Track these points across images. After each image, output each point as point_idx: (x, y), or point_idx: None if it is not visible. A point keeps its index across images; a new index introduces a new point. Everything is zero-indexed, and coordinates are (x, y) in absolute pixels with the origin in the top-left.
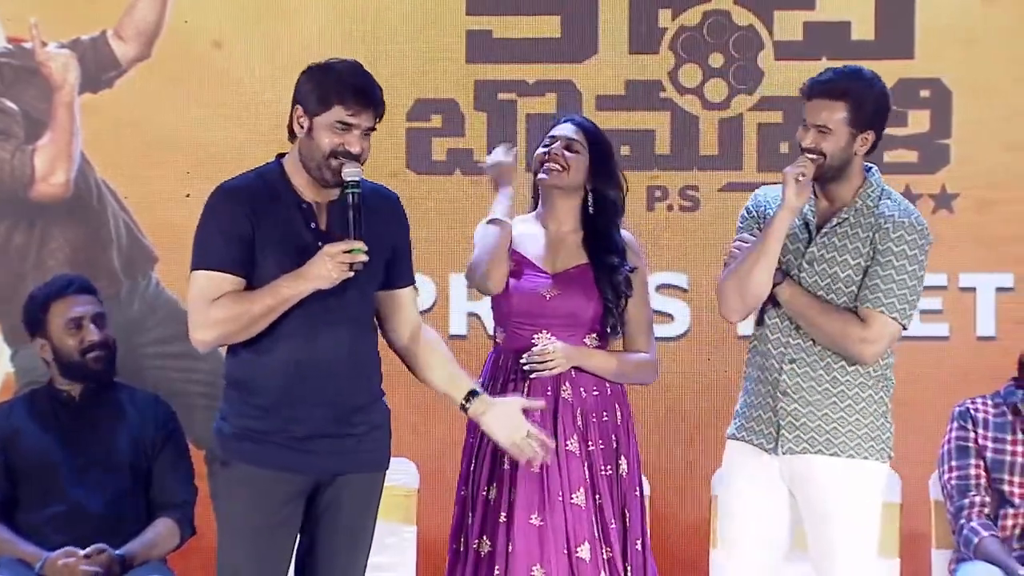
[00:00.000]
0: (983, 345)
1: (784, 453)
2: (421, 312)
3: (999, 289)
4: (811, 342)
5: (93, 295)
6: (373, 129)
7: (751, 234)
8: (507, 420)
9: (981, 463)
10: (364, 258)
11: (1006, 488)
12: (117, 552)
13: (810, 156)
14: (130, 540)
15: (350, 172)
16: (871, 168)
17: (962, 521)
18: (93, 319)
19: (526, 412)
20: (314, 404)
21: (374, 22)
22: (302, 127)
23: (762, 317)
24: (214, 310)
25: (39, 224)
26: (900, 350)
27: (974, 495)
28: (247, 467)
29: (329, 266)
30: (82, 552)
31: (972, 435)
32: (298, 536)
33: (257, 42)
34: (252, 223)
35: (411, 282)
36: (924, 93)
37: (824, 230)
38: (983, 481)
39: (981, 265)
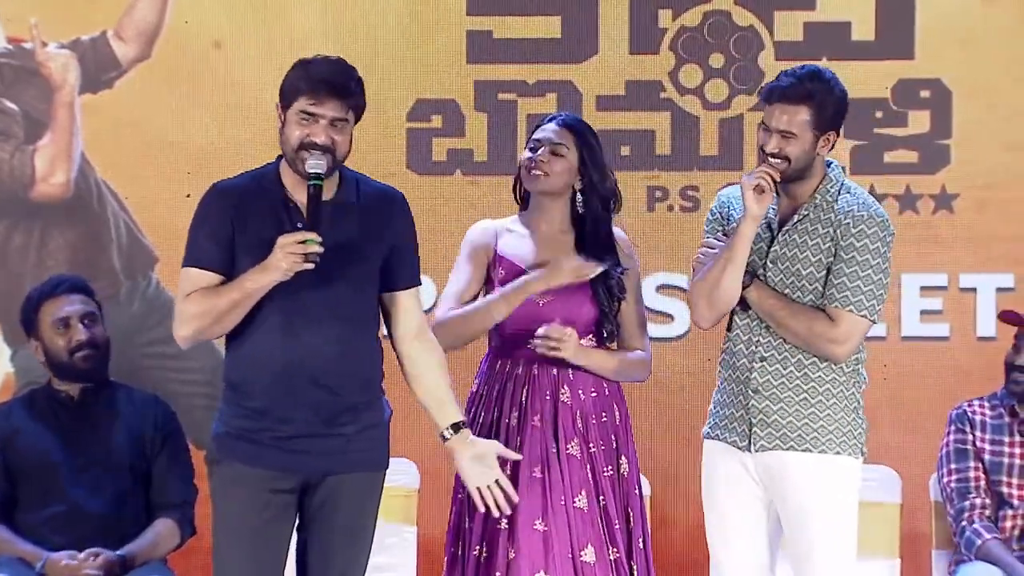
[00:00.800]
0: (983, 345)
1: (757, 451)
2: None
3: (999, 289)
4: (781, 340)
5: (84, 294)
6: (345, 120)
7: (716, 237)
8: (480, 464)
9: (980, 465)
10: (317, 249)
11: (1005, 490)
12: (118, 553)
13: (774, 162)
14: (130, 540)
15: (313, 164)
16: (831, 163)
17: (963, 523)
18: (82, 318)
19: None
20: (300, 403)
21: (374, 22)
22: (280, 120)
23: (731, 321)
24: (187, 305)
25: (39, 224)
26: (901, 350)
27: (974, 497)
28: (238, 465)
29: (279, 256)
30: (81, 555)
31: (970, 437)
32: (297, 535)
33: (257, 42)
34: (234, 223)
35: (412, 284)
36: (924, 93)
37: (785, 228)
38: (983, 483)
39: (981, 265)
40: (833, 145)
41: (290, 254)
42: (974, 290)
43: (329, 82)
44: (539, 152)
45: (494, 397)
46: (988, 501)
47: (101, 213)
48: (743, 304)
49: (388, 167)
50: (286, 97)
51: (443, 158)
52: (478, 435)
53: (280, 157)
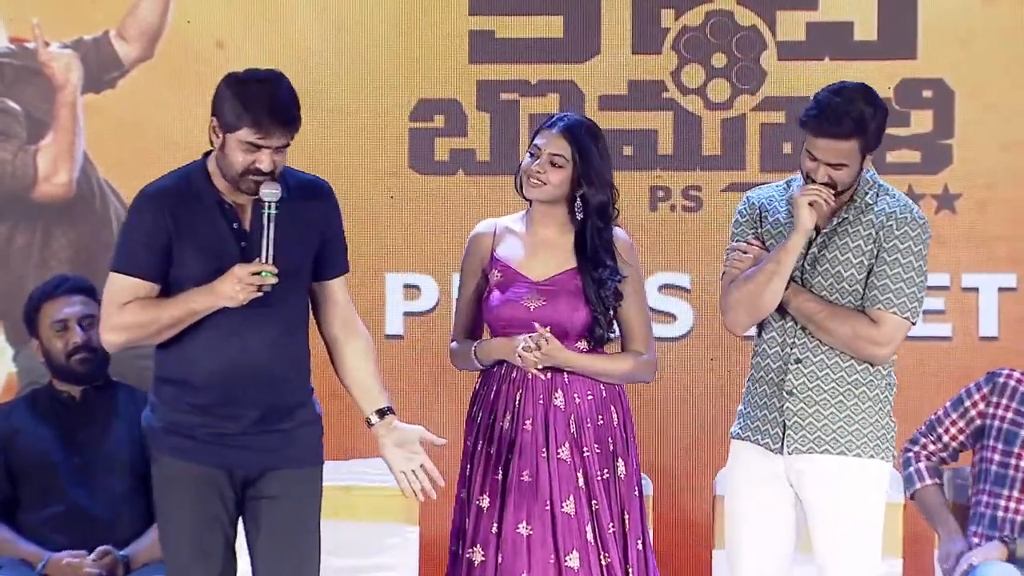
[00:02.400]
0: (985, 345)
1: (791, 453)
2: (424, 312)
3: (1001, 289)
4: (817, 342)
5: (86, 295)
6: (288, 144)
7: (747, 240)
8: (402, 450)
9: (961, 424)
10: (273, 281)
11: (1013, 461)
12: (119, 553)
13: (826, 190)
14: (131, 541)
15: (268, 193)
16: None
17: (910, 455)
18: (80, 320)
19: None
20: (245, 404)
21: (376, 22)
22: (217, 136)
23: (764, 325)
24: (125, 314)
25: (41, 225)
26: (902, 350)
27: (931, 441)
28: (175, 462)
29: (237, 288)
30: (89, 557)
31: (977, 397)
32: (245, 533)
33: (259, 42)
34: (171, 228)
35: (342, 272)
36: (926, 93)
37: (825, 231)
38: (947, 437)
39: (983, 265)
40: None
41: (248, 286)
42: (976, 290)
43: (277, 117)
44: (537, 162)
45: (491, 399)
46: (945, 456)
47: (103, 213)
48: (778, 307)
49: (390, 167)
50: (227, 121)
51: (445, 158)
52: (476, 436)
53: (206, 155)
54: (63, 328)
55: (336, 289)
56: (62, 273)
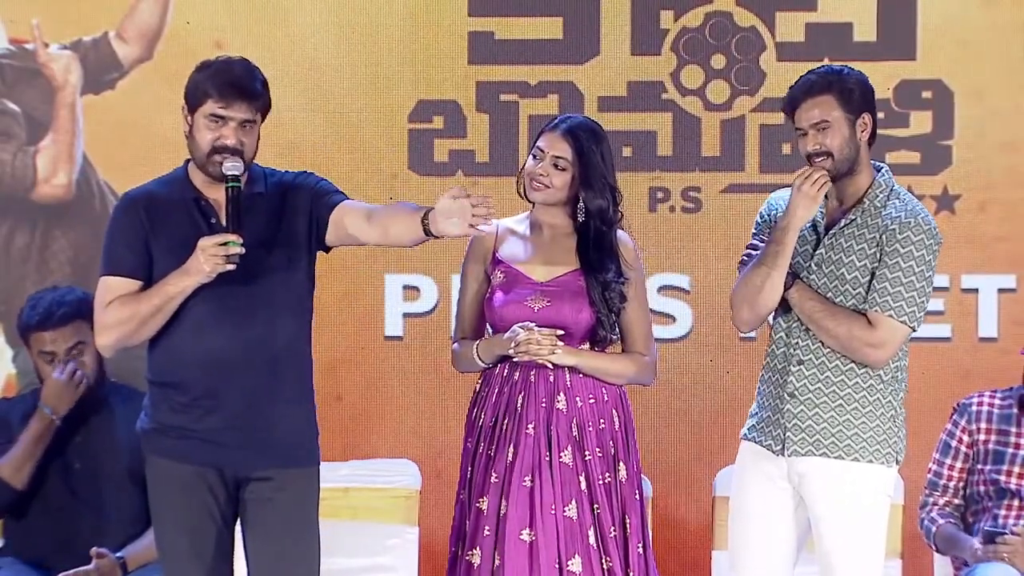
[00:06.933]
0: (985, 346)
1: (790, 455)
2: (423, 313)
3: (1001, 290)
4: (820, 344)
5: (79, 319)
6: (253, 122)
7: (761, 239)
8: (449, 214)
9: (956, 464)
10: (239, 250)
11: (1003, 478)
12: (117, 555)
13: (819, 161)
14: (129, 542)
15: (229, 167)
16: (881, 168)
17: (922, 515)
18: (68, 351)
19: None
20: (227, 397)
21: (376, 23)
22: (187, 123)
23: (773, 325)
24: (108, 314)
25: (41, 225)
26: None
27: (939, 495)
28: (166, 462)
29: (201, 259)
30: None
31: (958, 432)
32: (242, 535)
33: (258, 44)
34: (147, 227)
35: (340, 200)
36: (926, 94)
37: (832, 231)
38: (953, 483)
39: (983, 266)
40: (872, 130)
41: (212, 256)
42: (976, 291)
43: (236, 85)
44: (540, 164)
45: (492, 400)
46: (957, 501)
47: (103, 214)
48: (784, 306)
49: (389, 168)
50: (193, 101)
51: (445, 159)
52: (477, 437)
53: (187, 161)
54: (51, 360)
55: (349, 209)
56: (52, 288)
